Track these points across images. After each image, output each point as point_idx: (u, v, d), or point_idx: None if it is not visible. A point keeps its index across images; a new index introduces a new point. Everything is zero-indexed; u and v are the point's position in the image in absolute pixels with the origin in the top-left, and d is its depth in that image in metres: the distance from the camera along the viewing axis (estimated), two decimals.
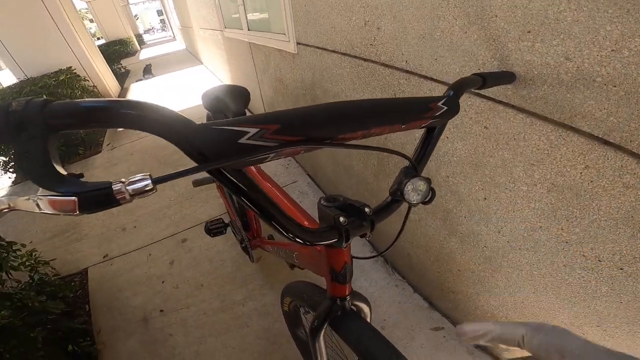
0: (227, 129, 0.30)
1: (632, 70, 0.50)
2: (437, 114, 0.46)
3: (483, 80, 0.57)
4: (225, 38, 3.50)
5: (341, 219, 0.44)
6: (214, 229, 1.47)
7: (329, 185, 1.95)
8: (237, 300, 1.54)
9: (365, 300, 0.67)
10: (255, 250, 1.44)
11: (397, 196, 0.48)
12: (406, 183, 0.45)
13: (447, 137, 0.91)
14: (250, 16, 2.47)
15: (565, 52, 0.57)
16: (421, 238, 1.22)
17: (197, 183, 1.56)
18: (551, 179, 0.69)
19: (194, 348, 1.38)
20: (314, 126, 0.35)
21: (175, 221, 2.15)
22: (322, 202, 0.49)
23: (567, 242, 0.71)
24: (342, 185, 1.73)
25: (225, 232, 1.52)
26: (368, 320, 0.68)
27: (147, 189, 0.27)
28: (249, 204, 0.36)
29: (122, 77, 7.68)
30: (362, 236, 0.48)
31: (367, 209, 0.47)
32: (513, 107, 0.71)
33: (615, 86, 0.52)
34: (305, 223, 0.67)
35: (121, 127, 0.27)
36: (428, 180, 0.47)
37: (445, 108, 0.46)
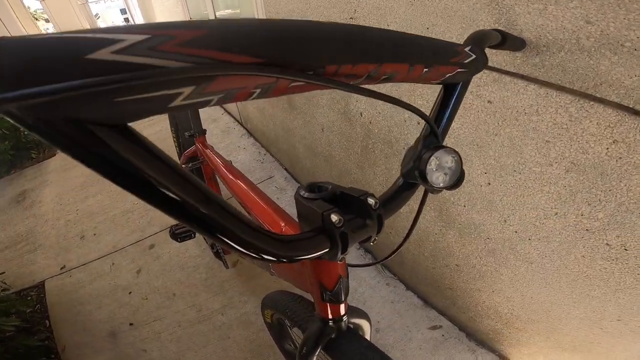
0: (66, 37, 0.15)
1: None
2: (466, 61, 0.34)
3: (502, 38, 0.46)
4: None
5: (333, 217, 0.29)
6: (181, 233, 1.31)
7: (309, 178, 1.83)
8: (215, 310, 1.41)
9: (364, 316, 0.56)
10: (229, 255, 1.30)
11: (413, 178, 0.34)
12: (428, 158, 0.32)
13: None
14: (218, 3, 2.31)
15: (586, 15, 0.49)
16: (413, 231, 1.12)
17: None
18: (570, 158, 0.60)
19: None
20: (281, 42, 0.21)
21: (141, 226, 1.96)
22: (302, 192, 0.34)
23: (587, 230, 0.63)
24: (324, 178, 1.62)
25: (195, 236, 1.37)
26: (368, 337, 0.56)
27: None
28: (149, 197, 0.20)
29: None
30: (364, 241, 0.34)
31: (370, 200, 0.32)
32: (523, 77, 0.61)
33: None
34: (283, 227, 0.53)
35: None
36: (457, 154, 0.34)
37: (473, 56, 0.34)
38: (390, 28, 0.82)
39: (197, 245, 1.72)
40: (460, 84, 0.37)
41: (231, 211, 0.24)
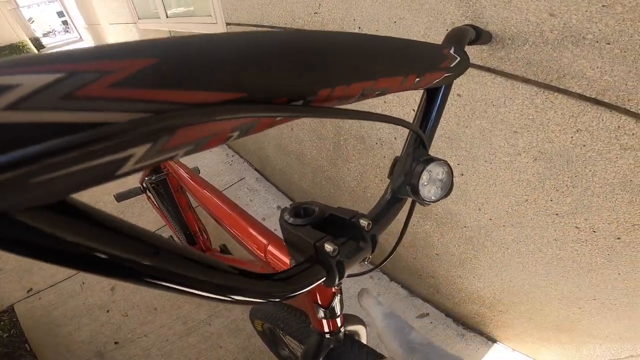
0: None
1: (627, 26, 0.44)
2: (452, 65, 0.32)
3: (477, 34, 0.45)
4: (141, 31, 3.12)
5: (327, 247, 0.27)
6: None
7: (281, 178, 1.79)
8: (201, 320, 1.37)
9: (359, 321, 0.56)
10: None
11: (404, 193, 0.33)
12: (421, 172, 0.31)
13: (413, 110, 0.80)
14: (169, 1, 2.17)
15: (550, 8, 0.50)
16: (392, 224, 1.13)
17: (120, 197, 1.29)
18: (538, 147, 0.62)
19: None
20: (267, 67, 0.16)
21: None
22: (287, 217, 0.31)
23: (557, 215, 0.65)
24: (296, 176, 1.59)
25: None
26: (364, 342, 0.56)
27: None
28: (110, 274, 0.16)
29: None
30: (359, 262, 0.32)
31: (362, 221, 0.30)
32: (490, 70, 0.62)
33: (609, 44, 0.47)
34: (267, 246, 0.51)
35: None
36: (448, 165, 0.33)
37: (458, 59, 0.33)
38: (356, 22, 0.80)
39: None
40: (444, 87, 0.36)
41: (214, 264, 0.21)
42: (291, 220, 0.31)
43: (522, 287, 0.83)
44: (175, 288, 0.19)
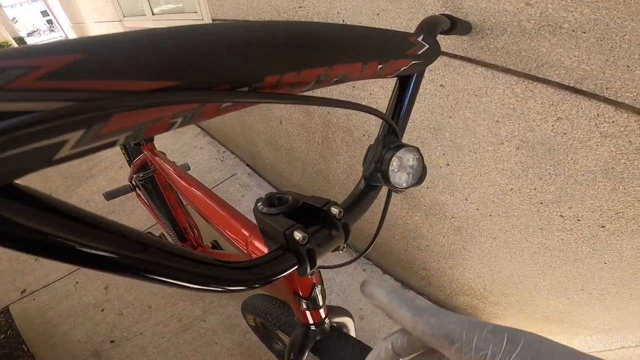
0: None
1: (603, 15, 0.44)
2: (419, 52, 0.32)
3: (452, 23, 0.45)
4: (126, 28, 3.08)
5: (296, 234, 0.27)
6: None
7: (272, 172, 1.79)
8: (196, 317, 1.38)
9: (345, 313, 0.56)
10: None
11: (375, 180, 0.33)
12: (390, 158, 0.31)
13: None
14: None
15: None
16: (374, 213, 1.13)
17: (110, 195, 1.28)
18: (520, 136, 0.62)
19: None
20: (201, 56, 0.16)
21: None
22: (261, 206, 0.31)
23: (541, 203, 0.66)
24: (287, 171, 1.59)
25: None
26: (353, 334, 0.57)
27: None
28: (62, 257, 0.16)
29: None
30: (332, 251, 0.32)
31: (334, 209, 0.30)
32: (471, 60, 0.62)
33: (585, 32, 0.47)
34: (248, 237, 0.51)
35: None
36: (418, 151, 0.33)
37: (427, 46, 0.33)
38: (340, 14, 0.80)
39: None
40: (415, 75, 0.36)
41: (180, 253, 0.21)
42: (265, 209, 0.31)
43: (511, 278, 0.84)
44: (128, 272, 0.19)
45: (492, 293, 0.93)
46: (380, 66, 0.28)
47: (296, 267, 0.28)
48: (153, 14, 2.19)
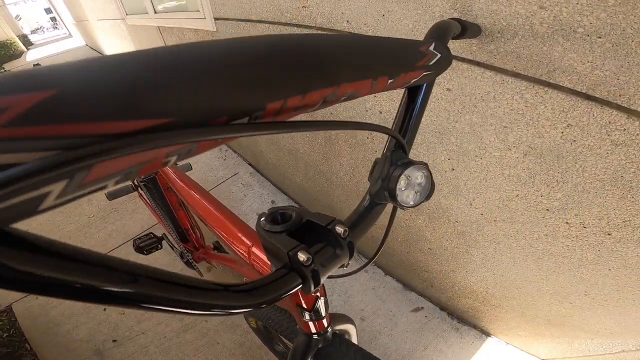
0: None
1: (619, 20, 0.43)
2: (431, 62, 0.31)
3: (462, 28, 0.44)
4: (129, 26, 3.07)
5: (300, 256, 0.26)
6: (146, 246, 1.25)
7: (275, 172, 1.79)
8: (197, 317, 1.37)
9: (347, 320, 0.56)
10: (201, 263, 1.26)
11: (382, 198, 0.32)
12: (398, 176, 0.30)
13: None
14: None
15: (539, 0, 0.48)
16: (385, 219, 1.13)
17: (112, 195, 1.28)
18: (528, 142, 0.61)
19: None
20: (187, 88, 0.14)
21: (101, 240, 1.86)
22: (263, 223, 0.30)
23: (547, 210, 0.65)
24: (290, 171, 1.59)
25: (162, 247, 1.31)
26: (355, 341, 0.56)
27: None
28: (67, 295, 0.16)
29: None
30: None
31: (339, 228, 0.29)
32: (479, 64, 0.60)
33: (600, 37, 0.45)
34: (251, 246, 0.50)
35: None
36: (427, 168, 0.32)
37: (439, 56, 0.32)
38: (345, 15, 0.78)
39: (167, 255, 1.66)
40: (425, 85, 0.35)
41: (181, 281, 0.20)
42: (267, 227, 0.30)
43: (514, 282, 0.83)
44: (138, 305, 0.18)
45: (494, 296, 0.93)
46: (390, 81, 0.26)
47: (300, 286, 0.27)
48: (155, 12, 2.17)
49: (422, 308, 1.20)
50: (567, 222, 0.64)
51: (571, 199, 0.60)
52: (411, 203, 0.32)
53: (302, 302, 0.42)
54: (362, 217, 0.34)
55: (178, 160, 0.17)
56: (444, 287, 1.08)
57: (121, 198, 1.91)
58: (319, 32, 0.89)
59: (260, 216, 0.31)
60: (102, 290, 0.17)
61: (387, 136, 0.33)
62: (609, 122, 0.50)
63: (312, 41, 0.20)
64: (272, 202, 1.79)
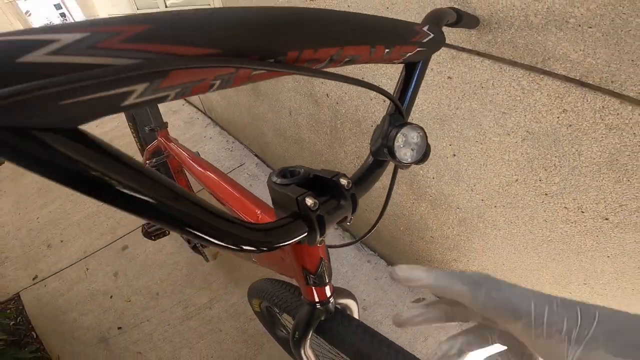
0: None
1: (608, 10, 0.45)
2: (425, 40, 0.35)
3: (458, 16, 0.47)
4: None
5: (308, 201, 0.29)
6: (154, 231, 1.29)
7: (281, 162, 1.82)
8: (202, 304, 1.41)
9: (350, 296, 0.58)
10: (208, 248, 1.29)
11: (382, 155, 0.35)
12: (395, 135, 0.33)
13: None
14: None
15: None
16: (388, 207, 1.15)
17: None
18: (525, 127, 0.63)
19: None
20: (236, 30, 0.20)
21: (110, 227, 1.90)
22: (274, 178, 0.34)
23: (546, 194, 0.67)
24: (296, 161, 1.62)
25: (169, 233, 1.35)
26: (356, 316, 0.59)
27: None
28: (110, 199, 0.19)
29: None
30: (340, 222, 0.34)
31: (343, 180, 0.32)
32: (478, 53, 0.63)
33: (591, 27, 0.48)
34: (259, 215, 0.53)
35: None
36: (422, 130, 0.35)
37: (431, 35, 0.35)
38: (351, 8, 0.81)
39: (174, 241, 1.69)
40: (421, 62, 0.38)
41: (203, 205, 0.23)
42: (277, 180, 0.33)
43: (515, 271, 0.85)
44: (171, 222, 0.21)
45: None
46: (387, 50, 0.30)
47: (306, 234, 0.30)
48: (166, 7, 2.21)
49: (424, 299, 1.22)
50: (565, 207, 0.65)
51: (569, 183, 0.62)
52: (409, 160, 0.35)
53: (307, 263, 0.44)
54: (366, 175, 0.37)
55: (219, 87, 0.22)
56: None
57: None
58: None
59: (271, 174, 0.34)
60: (143, 199, 0.20)
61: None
62: (603, 107, 0.52)
63: (325, 12, 0.25)
64: None
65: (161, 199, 0.20)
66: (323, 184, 0.33)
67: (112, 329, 1.40)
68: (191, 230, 0.22)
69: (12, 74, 0.14)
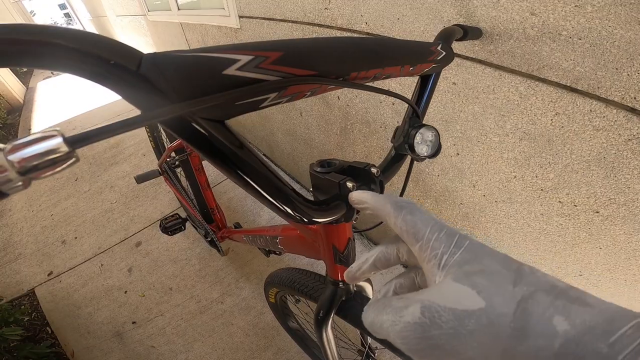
0: (203, 56, 0.21)
1: (596, 24, 0.52)
2: (438, 58, 0.42)
3: (464, 32, 0.55)
4: (149, 23, 3.16)
5: (348, 184, 0.35)
6: (171, 226, 1.34)
7: (289, 161, 1.88)
8: (214, 299, 1.46)
9: (366, 279, 0.64)
10: (223, 242, 1.35)
11: (403, 150, 0.43)
12: (414, 134, 0.40)
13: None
14: None
15: (531, 8, 0.57)
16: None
17: (140, 179, 1.38)
18: (523, 128, 0.69)
19: (182, 357, 1.29)
20: (326, 59, 0.28)
21: (123, 225, 1.95)
22: (316, 168, 0.40)
23: (542, 190, 0.73)
24: (305, 160, 1.68)
25: (185, 228, 1.40)
26: (372, 298, 0.65)
27: (57, 154, 0.14)
28: (237, 174, 0.27)
29: (23, 75, 6.92)
30: None
31: (373, 169, 0.39)
32: (481, 61, 0.69)
33: (580, 39, 0.54)
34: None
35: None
36: (436, 130, 0.43)
37: (444, 53, 0.43)
38: (364, 17, 0.89)
39: (186, 238, 1.74)
40: (434, 74, 0.47)
41: (282, 179, 0.31)
42: (319, 169, 0.40)
43: None
44: (253, 187, 0.29)
45: None
46: (411, 68, 0.39)
47: (344, 211, 0.37)
48: (179, 9, 2.25)
49: None
50: (560, 201, 0.72)
51: (562, 179, 0.69)
52: (424, 154, 0.42)
53: (337, 242, 0.50)
54: (390, 165, 0.45)
55: (309, 96, 0.30)
56: None
57: (144, 184, 2.00)
58: (339, 32, 0.99)
59: (311, 165, 0.41)
60: (249, 170, 0.27)
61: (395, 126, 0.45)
62: (590, 110, 0.59)
63: (374, 41, 0.34)
64: None
65: (257, 172, 0.28)
66: (356, 173, 0.40)
67: (127, 324, 1.44)
68: (274, 201, 0.30)
69: (221, 83, 0.21)
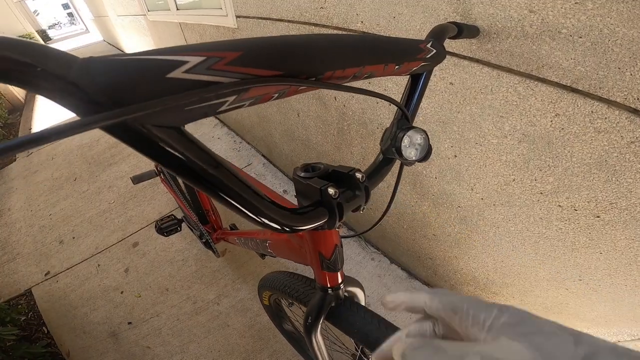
0: (144, 59, 0.19)
1: (597, 22, 0.50)
2: (428, 56, 0.40)
3: (459, 29, 0.52)
4: (149, 22, 3.16)
5: (330, 190, 0.34)
6: (167, 227, 1.33)
7: (287, 162, 1.87)
8: (210, 300, 1.45)
9: (357, 284, 0.62)
10: (219, 244, 1.34)
11: (391, 154, 0.40)
12: (402, 137, 0.38)
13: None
14: None
15: (529, 5, 0.55)
16: (391, 205, 1.19)
17: (137, 179, 1.37)
18: (522, 130, 0.67)
19: (177, 358, 1.28)
20: (294, 57, 0.26)
21: (121, 225, 1.95)
22: (299, 173, 0.38)
23: (541, 193, 0.71)
24: (302, 161, 1.67)
25: (181, 229, 1.39)
26: (363, 304, 0.63)
27: None
28: (198, 182, 0.25)
29: None
30: (354, 210, 0.39)
31: (358, 174, 0.38)
32: (478, 61, 0.68)
33: (581, 37, 0.52)
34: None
35: None
36: (425, 133, 0.41)
37: (434, 51, 0.41)
38: (359, 16, 0.87)
39: (183, 239, 1.74)
40: (425, 73, 0.44)
41: (253, 188, 0.29)
42: (302, 174, 0.38)
43: (513, 268, 0.89)
44: (221, 197, 0.27)
45: (495, 283, 0.99)
46: (397, 67, 0.36)
47: (326, 219, 0.35)
48: (177, 9, 2.25)
49: None
50: (559, 205, 0.70)
51: (562, 183, 0.67)
52: (413, 158, 0.40)
53: (323, 249, 0.48)
54: (376, 170, 0.43)
55: (277, 98, 0.28)
56: (447, 275, 1.14)
57: (142, 184, 1.99)
58: (335, 31, 0.97)
59: (295, 169, 0.39)
60: (214, 180, 0.25)
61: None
62: (592, 111, 0.57)
63: (352, 38, 0.31)
64: (284, 191, 1.87)
65: (222, 179, 0.26)
66: (340, 178, 0.38)
67: (123, 324, 1.44)
68: (239, 205, 0.27)
69: (165, 87, 0.19)
